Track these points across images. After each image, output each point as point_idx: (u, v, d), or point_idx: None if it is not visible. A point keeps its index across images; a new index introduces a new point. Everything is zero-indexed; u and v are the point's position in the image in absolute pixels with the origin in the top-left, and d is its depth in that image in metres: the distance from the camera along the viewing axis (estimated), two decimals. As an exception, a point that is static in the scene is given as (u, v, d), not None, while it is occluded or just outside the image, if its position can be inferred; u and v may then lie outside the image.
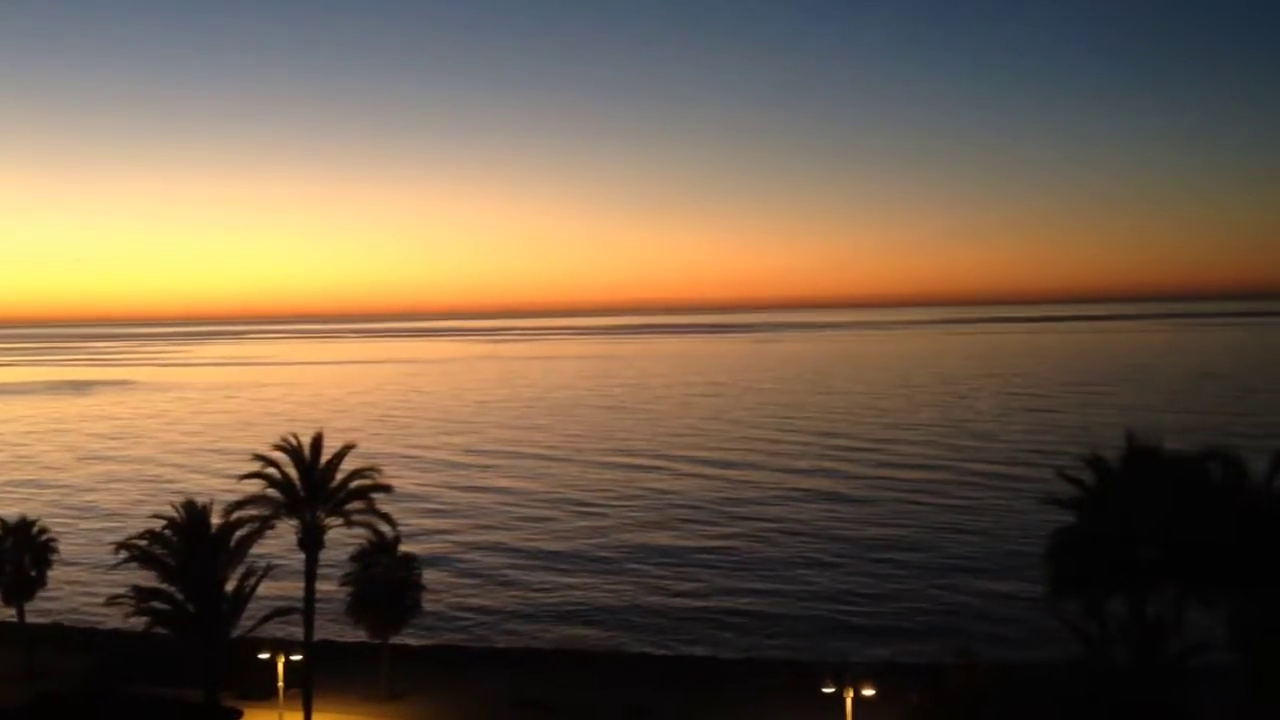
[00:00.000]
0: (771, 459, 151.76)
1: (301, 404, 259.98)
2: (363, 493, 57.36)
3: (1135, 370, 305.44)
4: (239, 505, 54.79)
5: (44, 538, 68.15)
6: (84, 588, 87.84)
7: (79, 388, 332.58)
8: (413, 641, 69.97)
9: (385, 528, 58.42)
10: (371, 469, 58.14)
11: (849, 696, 49.42)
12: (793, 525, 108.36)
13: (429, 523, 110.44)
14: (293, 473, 56.85)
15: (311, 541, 56.52)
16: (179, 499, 56.05)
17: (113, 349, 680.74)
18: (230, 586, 53.38)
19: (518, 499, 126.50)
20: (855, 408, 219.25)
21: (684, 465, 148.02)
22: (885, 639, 73.43)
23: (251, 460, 57.87)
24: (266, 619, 53.72)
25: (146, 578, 53.88)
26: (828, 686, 50.30)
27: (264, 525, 55.12)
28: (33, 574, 67.18)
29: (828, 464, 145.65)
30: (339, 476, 57.46)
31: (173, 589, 52.47)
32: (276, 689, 56.60)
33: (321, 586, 58.15)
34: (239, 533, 54.11)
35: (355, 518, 57.27)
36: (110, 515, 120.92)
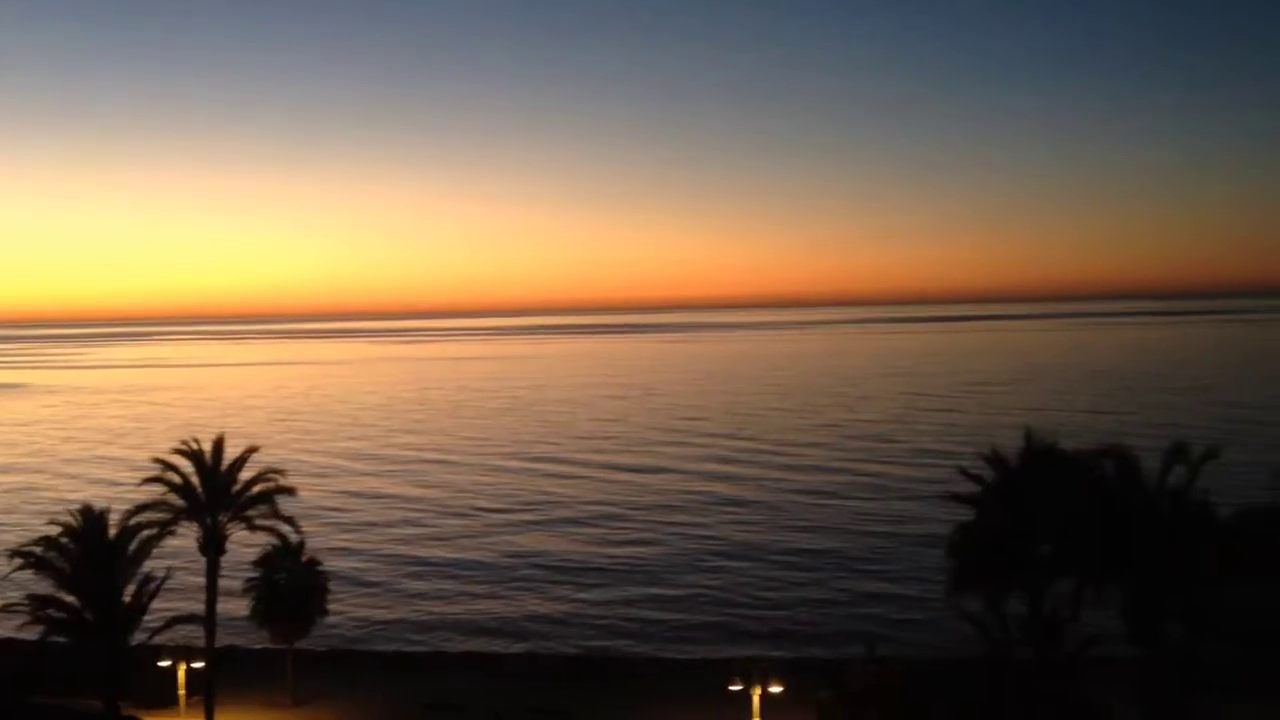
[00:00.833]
0: (676, 462, 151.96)
1: (197, 407, 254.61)
2: (266, 496, 56.65)
3: (1035, 370, 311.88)
4: (138, 510, 53.80)
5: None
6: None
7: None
8: (318, 647, 69.05)
9: (289, 531, 57.81)
10: (274, 472, 57.48)
11: (756, 694, 49.88)
12: (697, 528, 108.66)
13: (327, 529, 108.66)
14: (194, 477, 56.00)
15: (213, 547, 55.66)
16: (62, 506, 54.86)
17: (3, 351, 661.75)
18: (129, 593, 52.31)
19: (417, 505, 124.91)
20: (760, 409, 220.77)
21: (588, 469, 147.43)
22: (792, 639, 74.11)
23: (150, 464, 56.86)
24: (167, 626, 52.68)
25: (42, 585, 52.63)
26: (735, 685, 50.70)
27: (163, 530, 54.18)
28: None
29: (731, 467, 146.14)
30: (241, 480, 56.70)
31: (70, 597, 51.31)
32: (177, 697, 55.65)
33: (225, 592, 57.28)
34: (139, 538, 53.07)
35: (258, 522, 56.58)
36: None
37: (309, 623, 61.64)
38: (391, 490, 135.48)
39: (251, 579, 61.18)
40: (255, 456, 58.39)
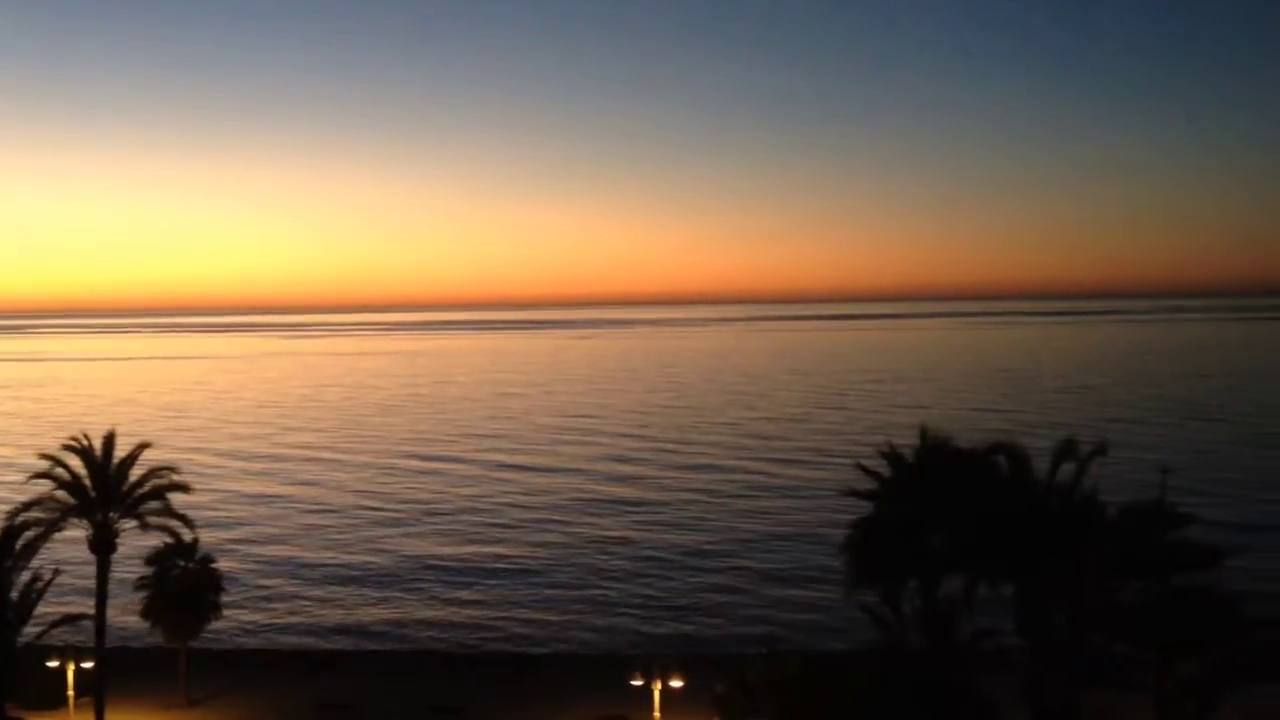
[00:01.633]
0: (573, 461, 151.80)
1: (78, 402, 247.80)
2: (158, 493, 55.61)
3: (930, 368, 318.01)
4: (25, 508, 52.47)
5: None
6: None
7: None
8: (212, 647, 67.83)
9: (182, 528, 56.76)
10: (168, 468, 56.48)
11: (657, 688, 50.18)
12: (594, 527, 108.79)
13: (215, 530, 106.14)
14: (84, 473, 54.76)
15: (103, 544, 54.49)
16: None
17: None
18: (15, 592, 50.91)
19: (308, 505, 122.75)
20: (660, 406, 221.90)
21: (484, 469, 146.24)
22: (692, 634, 74.80)
23: (37, 461, 55.58)
24: (56, 625, 51.33)
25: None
26: (636, 679, 50.93)
27: (51, 528, 52.81)
28: None
29: (629, 466, 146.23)
30: (133, 477, 55.57)
31: (-48, 596, 49.81)
32: (66, 697, 54.30)
33: (116, 590, 56.11)
34: (24, 536, 51.68)
35: (151, 519, 55.47)
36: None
37: (202, 621, 60.54)
38: (282, 490, 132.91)
39: (143, 577, 59.94)
40: (146, 454, 57.29)
